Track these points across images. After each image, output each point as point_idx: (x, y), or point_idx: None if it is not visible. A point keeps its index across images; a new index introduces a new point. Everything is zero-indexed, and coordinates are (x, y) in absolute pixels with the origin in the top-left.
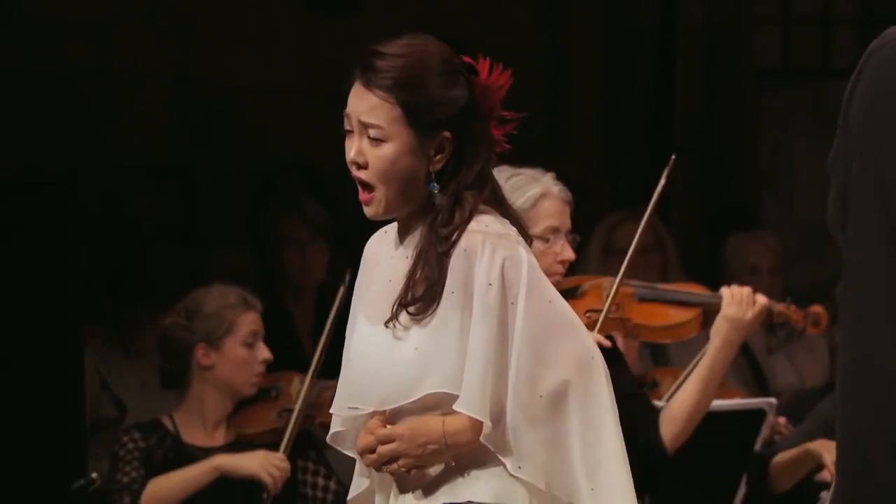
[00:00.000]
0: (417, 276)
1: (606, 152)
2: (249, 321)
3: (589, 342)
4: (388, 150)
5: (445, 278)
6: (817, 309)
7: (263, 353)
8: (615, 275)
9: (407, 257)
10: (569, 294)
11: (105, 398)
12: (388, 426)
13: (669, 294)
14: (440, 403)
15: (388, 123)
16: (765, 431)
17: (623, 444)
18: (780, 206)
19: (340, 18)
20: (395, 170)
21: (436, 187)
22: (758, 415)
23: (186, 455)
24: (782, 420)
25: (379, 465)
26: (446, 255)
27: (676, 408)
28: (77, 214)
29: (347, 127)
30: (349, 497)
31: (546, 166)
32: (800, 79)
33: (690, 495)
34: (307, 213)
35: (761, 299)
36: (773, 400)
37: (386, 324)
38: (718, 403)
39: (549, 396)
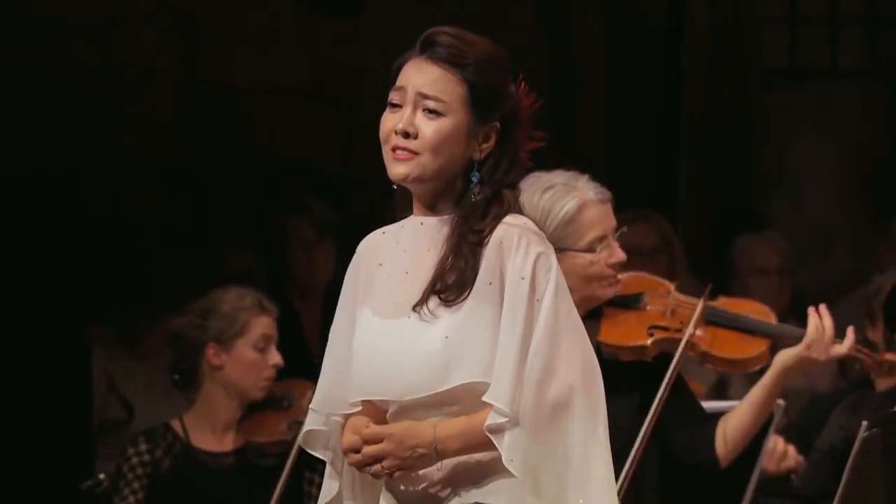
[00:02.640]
0: (449, 264)
1: (612, 153)
2: (262, 325)
3: (594, 356)
4: (444, 123)
5: (479, 267)
6: (892, 357)
7: (274, 358)
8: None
9: (428, 250)
10: (630, 303)
11: (113, 399)
12: (374, 426)
13: (739, 320)
14: (463, 397)
15: (450, 98)
16: (773, 433)
17: (611, 459)
18: (787, 206)
19: (343, 19)
20: (446, 145)
21: (476, 175)
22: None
23: (195, 461)
24: (792, 451)
25: (362, 466)
26: (479, 245)
27: (730, 430)
28: (80, 215)
29: (396, 100)
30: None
31: (551, 166)
32: (806, 78)
33: (697, 496)
34: (313, 214)
35: (841, 347)
36: (781, 401)
37: (415, 308)
38: (727, 404)
39: (554, 400)
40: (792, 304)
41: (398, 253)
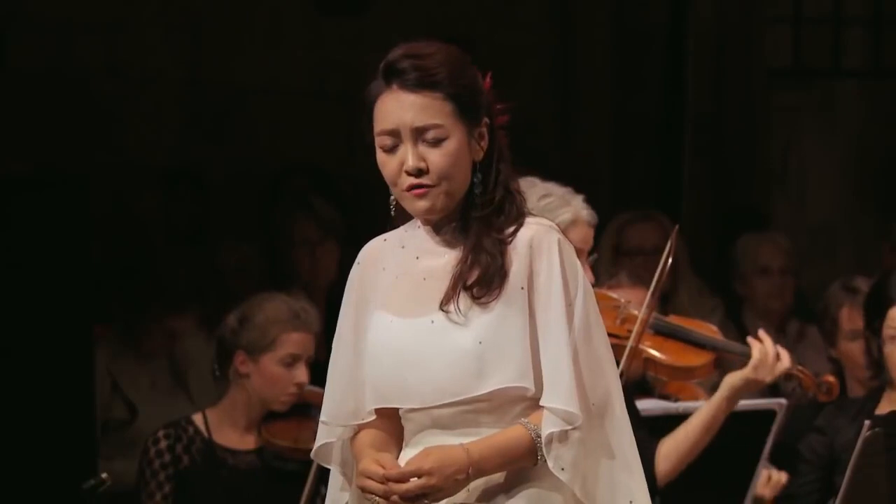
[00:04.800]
0: (471, 260)
1: (615, 152)
2: (293, 342)
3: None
4: (449, 146)
5: (505, 263)
6: (830, 378)
7: (300, 376)
8: (625, 275)
9: (445, 255)
10: None
11: (116, 399)
12: (398, 465)
13: (687, 332)
14: (494, 396)
15: (444, 120)
16: (774, 434)
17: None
18: (791, 205)
19: (349, 19)
20: (456, 166)
21: (478, 176)
22: (768, 416)
23: (216, 457)
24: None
25: (391, 498)
26: (502, 242)
27: (673, 447)
28: (87, 214)
29: (389, 142)
30: None
31: (555, 166)
32: (810, 78)
33: (700, 496)
34: (318, 213)
35: (783, 364)
36: (783, 400)
37: (443, 306)
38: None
39: (598, 404)
40: (795, 304)
41: (408, 259)
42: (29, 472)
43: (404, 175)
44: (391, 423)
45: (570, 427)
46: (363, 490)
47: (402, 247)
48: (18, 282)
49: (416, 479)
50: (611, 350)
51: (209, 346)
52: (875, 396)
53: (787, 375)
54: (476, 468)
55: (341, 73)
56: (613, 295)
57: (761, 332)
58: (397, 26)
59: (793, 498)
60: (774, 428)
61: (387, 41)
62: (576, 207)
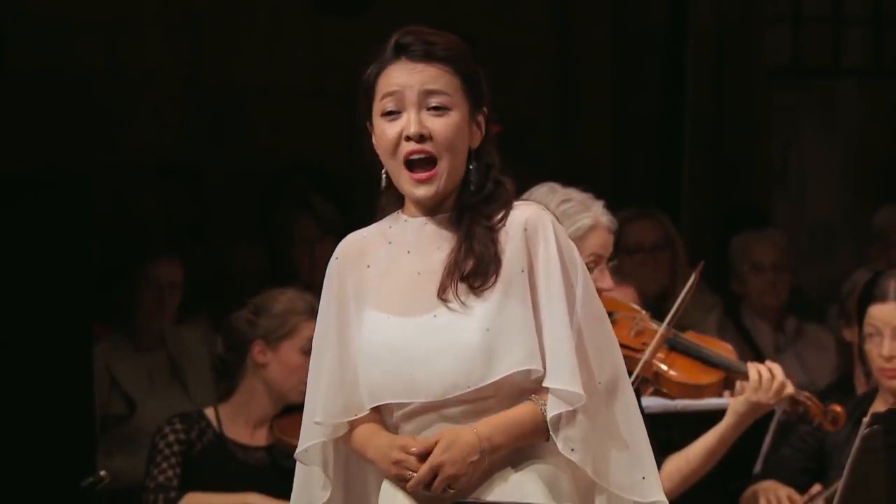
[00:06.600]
0: (465, 250)
1: (616, 151)
2: (312, 330)
3: None
4: (453, 118)
5: (499, 251)
6: (837, 408)
7: None
8: (626, 280)
9: (439, 248)
10: None
11: (115, 396)
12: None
13: (699, 350)
14: (501, 387)
15: (452, 91)
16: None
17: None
18: (791, 205)
19: (350, 18)
20: (458, 140)
21: (474, 165)
22: (767, 413)
23: (226, 451)
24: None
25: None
26: (492, 229)
27: (676, 468)
28: (87, 213)
29: (392, 107)
30: None
31: (555, 166)
32: (810, 77)
33: (698, 493)
34: (317, 212)
35: (788, 388)
36: None
37: (441, 296)
38: (729, 402)
39: (605, 384)
40: (791, 302)
41: (398, 255)
42: (28, 469)
43: (404, 142)
44: (382, 418)
45: (572, 407)
46: (399, 463)
47: (389, 242)
48: (18, 281)
49: (435, 476)
50: (615, 337)
51: (206, 341)
52: (868, 398)
53: (794, 402)
54: (489, 445)
55: (341, 73)
56: (634, 306)
57: (769, 362)
58: (397, 26)
59: (775, 471)
60: (773, 425)
61: (386, 41)
62: (595, 213)
